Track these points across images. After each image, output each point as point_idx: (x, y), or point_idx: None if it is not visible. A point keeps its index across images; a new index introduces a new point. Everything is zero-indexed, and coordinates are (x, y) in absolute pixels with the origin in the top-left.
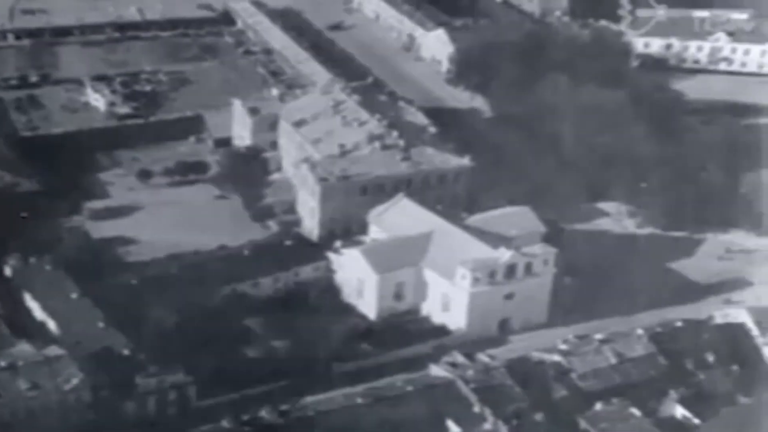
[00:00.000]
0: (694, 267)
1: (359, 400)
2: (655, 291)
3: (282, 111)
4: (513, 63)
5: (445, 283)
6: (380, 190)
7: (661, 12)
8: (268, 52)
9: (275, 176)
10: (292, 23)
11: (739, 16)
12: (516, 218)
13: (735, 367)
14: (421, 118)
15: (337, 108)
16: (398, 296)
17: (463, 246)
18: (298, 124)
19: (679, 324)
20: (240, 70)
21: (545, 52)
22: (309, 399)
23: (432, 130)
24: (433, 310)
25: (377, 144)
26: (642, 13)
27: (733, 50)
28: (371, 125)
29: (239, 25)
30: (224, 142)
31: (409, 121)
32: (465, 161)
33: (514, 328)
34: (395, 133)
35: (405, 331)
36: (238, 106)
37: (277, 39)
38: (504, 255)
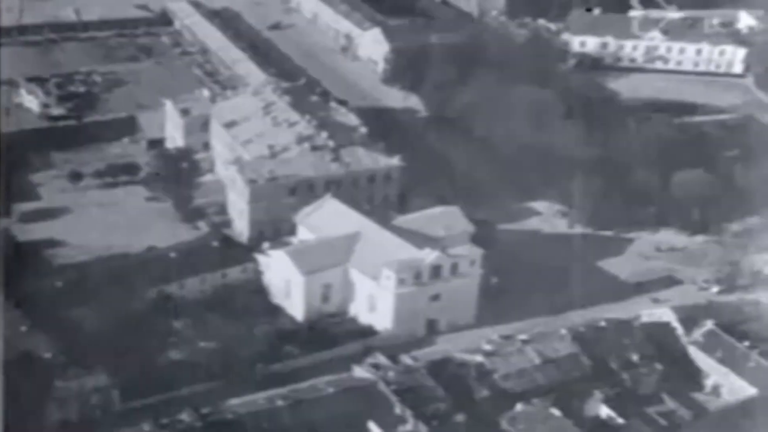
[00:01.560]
0: (623, 266)
1: (280, 403)
2: (584, 290)
3: (213, 112)
4: (448, 62)
5: (371, 284)
6: (310, 191)
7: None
8: (204, 52)
9: (207, 177)
10: (230, 23)
11: (675, 14)
12: (444, 218)
13: (659, 366)
14: (352, 119)
15: (267, 109)
16: (325, 297)
17: (389, 247)
18: (229, 125)
19: (603, 324)
20: (176, 70)
21: (481, 52)
22: (231, 401)
23: (363, 130)
24: (360, 310)
25: (306, 145)
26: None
27: (669, 49)
28: (301, 126)
29: (176, 25)
30: (158, 143)
31: (339, 121)
32: (395, 161)
33: (441, 328)
34: (325, 134)
35: (332, 332)
36: (170, 107)
37: (214, 39)
38: (429, 256)
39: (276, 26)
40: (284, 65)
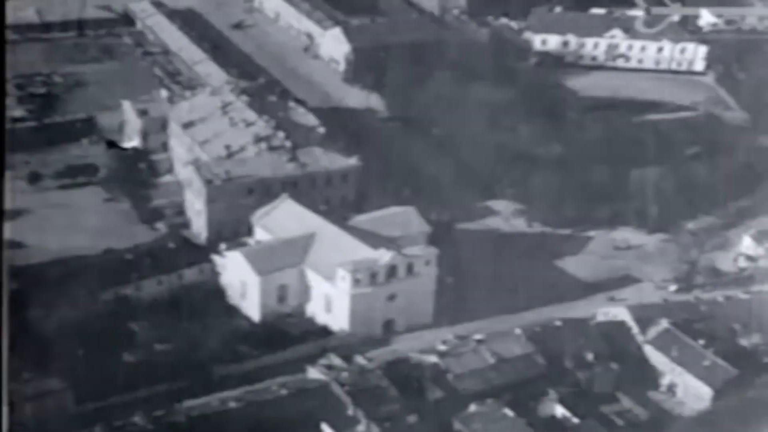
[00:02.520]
0: (581, 265)
1: (233, 404)
2: (542, 289)
3: (171, 112)
4: (409, 62)
5: (327, 285)
6: (267, 192)
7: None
8: (166, 53)
9: (166, 178)
10: (192, 23)
11: (636, 13)
12: (400, 218)
13: (615, 366)
14: (310, 119)
15: (225, 109)
16: (281, 298)
17: (344, 247)
18: (187, 125)
19: (558, 323)
20: (138, 71)
21: (442, 51)
22: (186, 403)
23: (321, 130)
24: (316, 311)
25: (264, 145)
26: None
27: (630, 47)
28: (258, 126)
29: (138, 26)
30: (117, 144)
31: (297, 121)
32: (352, 161)
33: (399, 328)
34: (282, 134)
35: (288, 333)
36: (127, 108)
37: (175, 40)
38: (384, 256)
39: (238, 26)
40: (245, 65)
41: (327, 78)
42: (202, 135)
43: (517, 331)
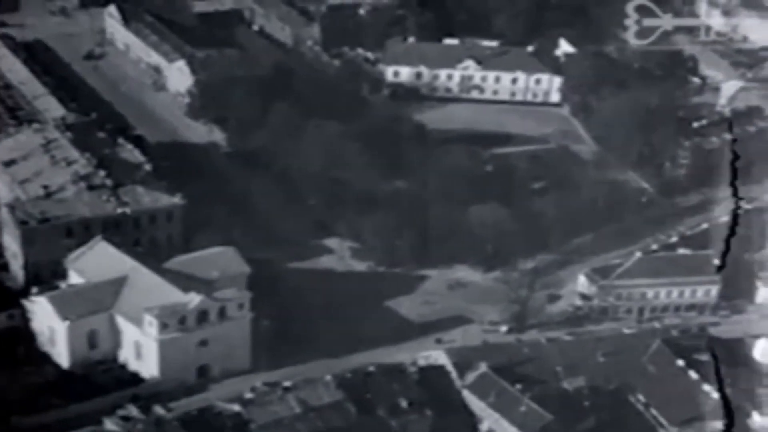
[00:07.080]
0: (412, 305)
1: None
2: (369, 332)
3: None
4: (254, 95)
5: (136, 330)
6: (87, 233)
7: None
8: (7, 87)
9: None
10: (39, 57)
11: (489, 43)
12: (219, 260)
13: (430, 412)
14: (137, 156)
15: (48, 147)
16: (92, 344)
17: (154, 291)
18: (8, 163)
19: (371, 369)
20: None
21: (289, 84)
22: None
23: (147, 168)
24: (128, 358)
25: (83, 184)
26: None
27: (484, 78)
28: (79, 165)
29: None
30: None
31: (123, 158)
32: (176, 200)
33: (215, 375)
34: (103, 173)
35: (98, 380)
36: None
37: (18, 73)
38: (194, 300)
39: (88, 58)
40: (89, 99)
41: (172, 112)
42: (22, 174)
43: (327, 377)
